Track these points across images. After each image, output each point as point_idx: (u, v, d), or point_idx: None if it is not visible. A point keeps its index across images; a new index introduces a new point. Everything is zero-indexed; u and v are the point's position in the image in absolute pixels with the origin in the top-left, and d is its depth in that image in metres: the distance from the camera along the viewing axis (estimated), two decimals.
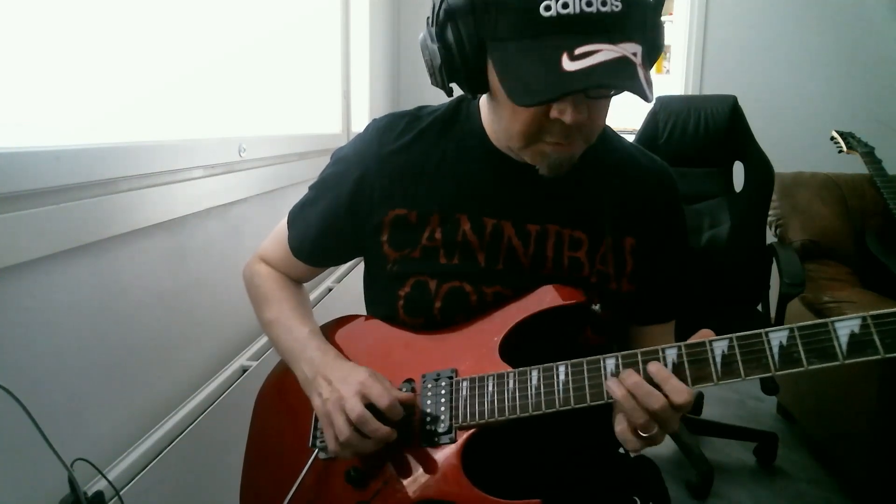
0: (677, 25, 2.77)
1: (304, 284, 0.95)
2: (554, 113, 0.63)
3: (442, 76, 0.69)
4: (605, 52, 0.57)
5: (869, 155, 2.04)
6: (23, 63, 0.84)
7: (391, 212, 0.79)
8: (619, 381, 0.62)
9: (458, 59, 0.66)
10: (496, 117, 0.73)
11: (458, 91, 0.73)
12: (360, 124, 2.23)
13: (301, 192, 0.90)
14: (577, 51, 0.57)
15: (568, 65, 0.57)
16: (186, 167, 1.11)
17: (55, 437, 0.63)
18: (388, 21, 2.64)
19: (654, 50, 0.67)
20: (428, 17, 0.68)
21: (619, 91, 0.63)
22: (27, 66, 0.85)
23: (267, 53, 1.60)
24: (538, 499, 0.64)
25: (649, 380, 0.61)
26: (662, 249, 0.81)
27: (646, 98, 0.58)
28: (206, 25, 1.29)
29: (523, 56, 0.60)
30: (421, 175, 0.79)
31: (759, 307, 1.90)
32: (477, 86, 0.69)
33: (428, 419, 0.72)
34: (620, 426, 0.64)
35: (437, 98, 0.85)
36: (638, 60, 0.59)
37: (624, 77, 0.57)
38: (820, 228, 2.07)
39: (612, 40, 0.58)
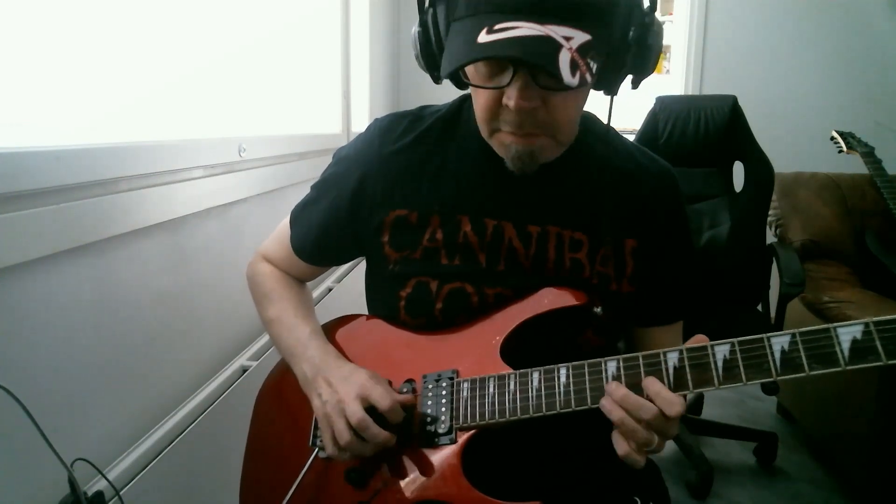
0: (677, 25, 2.77)
1: (307, 283, 0.95)
2: (504, 98, 0.64)
3: (424, 62, 0.72)
4: (524, 30, 0.58)
5: (869, 155, 2.04)
6: (23, 63, 0.84)
7: (392, 212, 0.79)
8: (609, 397, 0.63)
9: (433, 43, 0.69)
10: None
11: (447, 84, 0.74)
12: (360, 124, 2.23)
13: (301, 192, 0.90)
14: (497, 26, 0.58)
15: (482, 38, 0.58)
16: (186, 167, 1.11)
17: (55, 437, 0.63)
18: (388, 21, 2.64)
19: (641, 48, 0.65)
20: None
21: (560, 82, 0.58)
22: (27, 66, 0.85)
23: (267, 54, 1.60)
24: (538, 500, 0.64)
25: (641, 392, 0.61)
26: (665, 251, 0.80)
27: (560, 79, 0.57)
28: (206, 25, 1.29)
29: (456, 32, 0.64)
30: (422, 176, 0.79)
31: (760, 307, 1.90)
32: (455, 76, 0.70)
33: (428, 420, 0.72)
34: (623, 449, 0.63)
35: (437, 98, 0.85)
36: (569, 45, 0.58)
37: (535, 54, 0.57)
38: (820, 228, 2.07)
39: (541, 21, 0.58)
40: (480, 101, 0.67)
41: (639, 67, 0.68)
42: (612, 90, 0.71)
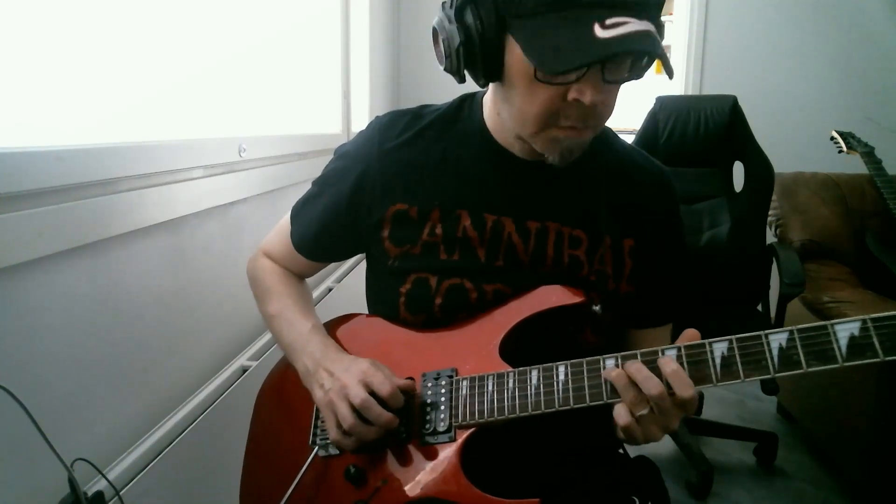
0: (677, 25, 2.77)
1: (307, 280, 0.96)
2: (572, 94, 0.63)
3: (458, 59, 0.68)
4: (633, 24, 0.59)
5: (869, 155, 2.04)
6: (23, 63, 0.84)
7: (392, 207, 0.79)
8: (619, 367, 0.63)
9: (476, 39, 0.66)
10: (507, 105, 0.71)
11: (469, 81, 0.73)
12: (360, 124, 2.23)
13: (301, 192, 0.90)
14: (608, 21, 0.58)
15: (600, 32, 0.58)
16: (186, 167, 1.11)
17: (55, 437, 0.63)
18: (388, 21, 2.64)
19: (659, 33, 0.68)
20: (444, 1, 0.69)
21: (636, 75, 0.65)
22: (28, 66, 0.85)
23: (267, 54, 1.60)
24: (537, 498, 0.64)
25: (657, 372, 0.61)
26: (660, 252, 0.81)
27: (671, 72, 0.62)
28: (207, 26, 1.29)
29: (552, 27, 0.61)
30: (422, 171, 0.79)
31: (759, 307, 1.90)
32: (492, 69, 0.68)
33: (427, 418, 0.72)
34: (624, 420, 0.62)
35: (437, 98, 0.85)
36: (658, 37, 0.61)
37: (653, 47, 0.59)
38: (820, 228, 2.07)
39: (637, 16, 0.59)
40: (540, 97, 0.65)
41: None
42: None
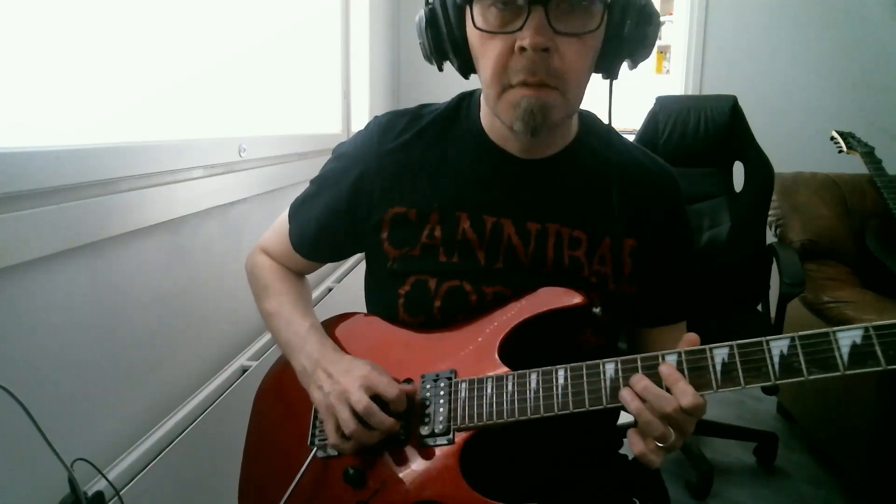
0: (677, 25, 2.77)
1: (307, 277, 0.96)
2: (518, 42, 0.64)
3: (428, 40, 0.72)
4: None
5: (869, 155, 2.04)
6: (23, 63, 0.84)
7: (390, 209, 0.79)
8: (630, 388, 0.62)
9: (441, 21, 0.70)
10: (481, 85, 0.73)
11: (449, 70, 0.76)
12: (359, 124, 2.21)
13: (300, 192, 0.90)
14: None
15: None
16: (186, 167, 1.11)
17: (55, 437, 0.63)
18: (388, 21, 2.64)
19: (641, 24, 0.68)
20: None
21: (585, 27, 0.64)
22: (27, 66, 0.85)
23: (267, 53, 1.60)
24: (536, 501, 0.64)
25: (660, 382, 0.61)
26: (665, 251, 0.80)
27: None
28: (207, 25, 1.29)
29: None
30: (420, 173, 0.79)
31: (759, 307, 1.90)
32: (460, 52, 0.71)
33: (426, 420, 0.72)
34: (638, 447, 0.62)
35: (437, 98, 0.85)
36: None
37: None
38: (820, 228, 2.07)
39: None
40: (492, 52, 0.66)
41: (638, 47, 0.70)
42: (611, 73, 0.72)
